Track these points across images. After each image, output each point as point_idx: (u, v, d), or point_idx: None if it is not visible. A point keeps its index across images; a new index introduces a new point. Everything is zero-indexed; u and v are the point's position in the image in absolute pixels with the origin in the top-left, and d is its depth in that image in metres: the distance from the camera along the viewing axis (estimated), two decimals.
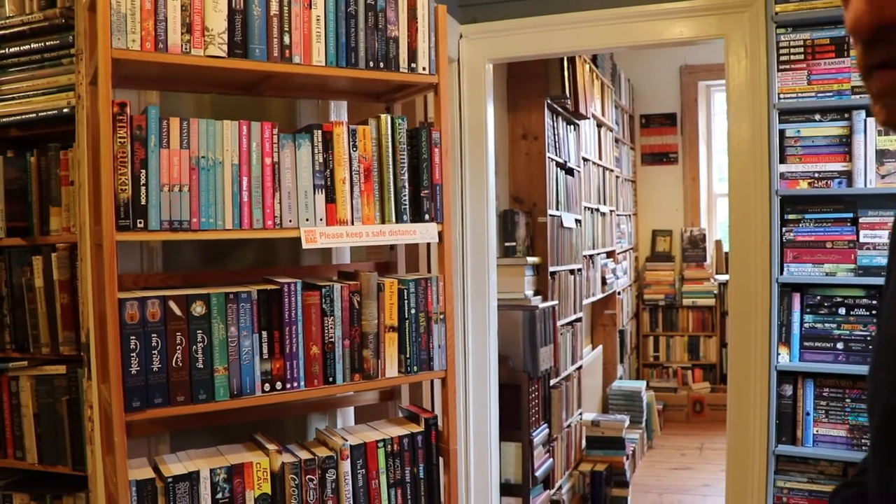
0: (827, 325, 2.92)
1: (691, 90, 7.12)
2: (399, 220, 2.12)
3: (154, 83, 2.11)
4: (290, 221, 1.99)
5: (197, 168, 1.86)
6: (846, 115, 2.85)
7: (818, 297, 2.95)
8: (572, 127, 4.74)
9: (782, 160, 2.95)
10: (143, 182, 1.79)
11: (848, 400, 2.82)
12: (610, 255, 5.86)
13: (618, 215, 6.21)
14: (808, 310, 2.96)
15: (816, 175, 2.92)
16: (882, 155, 2.83)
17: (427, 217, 2.16)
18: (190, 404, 1.86)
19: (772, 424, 2.92)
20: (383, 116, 2.12)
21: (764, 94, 2.93)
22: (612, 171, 5.96)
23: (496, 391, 3.39)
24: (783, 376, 2.94)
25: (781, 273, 2.94)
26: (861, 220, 2.84)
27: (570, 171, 4.63)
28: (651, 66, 7.07)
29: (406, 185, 2.14)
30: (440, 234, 2.17)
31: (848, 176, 2.87)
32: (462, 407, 3.30)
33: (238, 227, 1.92)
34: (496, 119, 3.81)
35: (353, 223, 2.05)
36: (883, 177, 2.80)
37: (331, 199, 2.03)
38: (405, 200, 2.13)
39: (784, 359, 2.94)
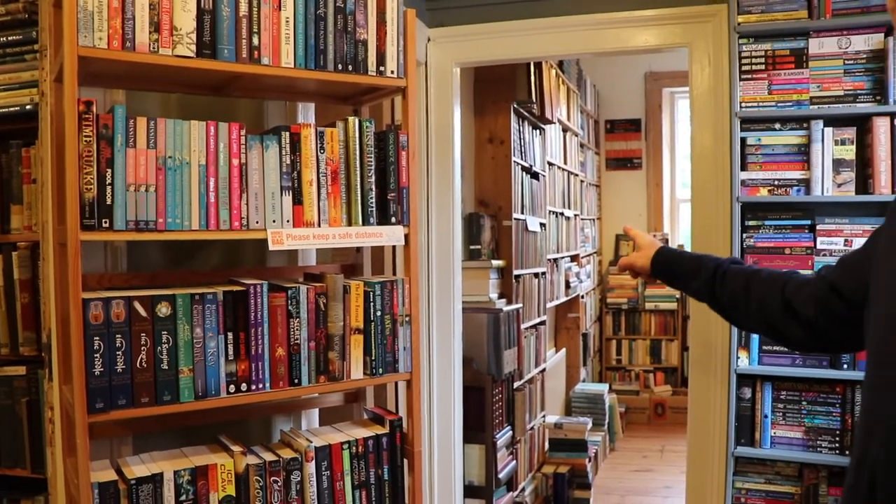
0: None
1: (656, 96, 7.21)
2: (366, 222, 2.12)
3: (121, 82, 2.10)
4: (257, 223, 1.99)
5: (164, 168, 1.86)
6: (805, 125, 2.91)
7: None
8: (538, 131, 4.78)
9: (743, 167, 2.99)
10: (108, 181, 1.78)
11: (804, 402, 2.88)
12: (574, 258, 5.91)
13: (582, 219, 6.26)
14: None
15: (776, 182, 2.97)
16: (838, 164, 2.90)
17: (393, 220, 2.17)
18: (154, 406, 1.85)
19: (731, 426, 2.96)
20: (351, 119, 2.12)
21: (726, 103, 2.98)
22: (576, 175, 6.02)
23: (460, 393, 3.41)
24: (742, 379, 2.98)
25: None
26: (818, 227, 2.90)
27: (535, 176, 4.66)
28: (616, 73, 7.15)
29: (373, 187, 2.15)
30: (406, 236, 2.19)
31: (806, 184, 2.93)
32: (426, 409, 3.31)
33: (205, 228, 1.91)
34: (463, 122, 3.82)
35: (319, 225, 2.05)
36: (839, 185, 2.86)
37: (298, 200, 2.03)
38: (372, 203, 2.14)
39: (743, 362, 2.99)
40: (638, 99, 7.27)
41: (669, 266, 1.73)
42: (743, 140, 3.00)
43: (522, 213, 4.34)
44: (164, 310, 1.86)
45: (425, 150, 3.34)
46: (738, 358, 3.00)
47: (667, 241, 6.96)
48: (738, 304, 1.50)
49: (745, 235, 3.01)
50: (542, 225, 4.80)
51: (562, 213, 5.46)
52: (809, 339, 1.35)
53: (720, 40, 3.00)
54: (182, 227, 1.88)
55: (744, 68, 2.96)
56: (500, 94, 4.18)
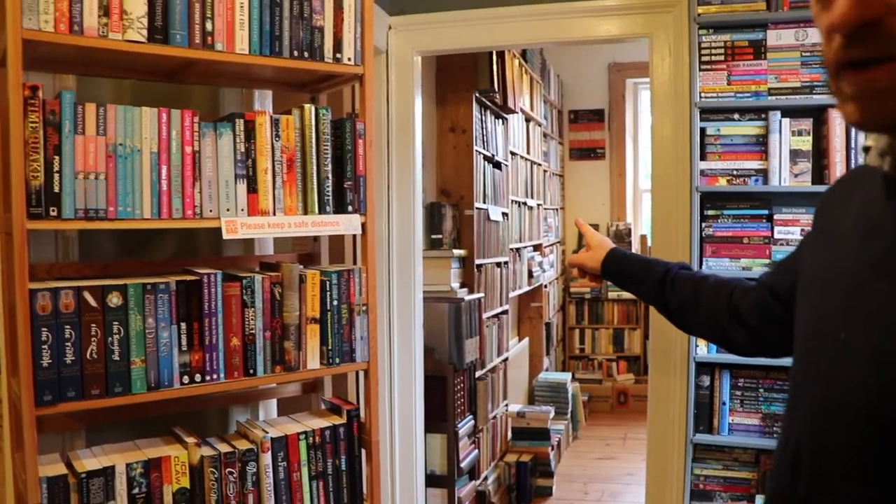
0: None
1: (619, 87, 7.24)
2: (322, 211, 2.10)
3: (70, 67, 2.05)
4: (211, 211, 1.95)
5: (114, 155, 1.82)
6: (763, 116, 2.94)
7: None
8: (500, 121, 4.77)
9: (703, 157, 3.02)
10: (56, 169, 1.74)
11: (761, 390, 2.91)
12: (537, 248, 5.92)
13: (545, 209, 6.27)
14: None
15: (735, 172, 3.00)
16: (795, 155, 2.93)
17: (350, 208, 2.15)
18: (105, 397, 1.82)
19: (690, 414, 2.99)
20: (307, 106, 2.10)
21: (686, 93, 2.99)
22: (539, 165, 6.02)
23: (421, 383, 3.40)
24: (701, 367, 3.01)
25: (700, 267, 3.02)
26: (776, 217, 2.93)
27: (497, 165, 4.66)
28: (580, 63, 7.16)
29: (329, 176, 2.12)
30: (363, 225, 2.17)
31: (764, 174, 2.95)
32: (387, 399, 3.30)
33: (157, 217, 1.88)
34: (424, 111, 3.80)
35: (274, 214, 2.03)
36: (796, 175, 2.89)
37: (252, 189, 2.01)
38: (328, 191, 2.12)
39: (702, 350, 3.01)
40: (601, 90, 7.29)
41: (620, 268, 1.73)
42: (702, 130, 3.02)
43: (484, 202, 4.34)
44: (114, 300, 1.83)
45: (385, 139, 3.32)
46: (696, 346, 3.03)
47: (630, 231, 7.00)
48: (686, 309, 1.50)
49: (703, 225, 3.03)
50: (505, 214, 4.80)
51: (524, 203, 5.47)
52: (754, 345, 1.37)
53: (680, 31, 3.01)
54: (134, 215, 1.85)
55: (703, 59, 2.98)
56: (462, 83, 4.17)
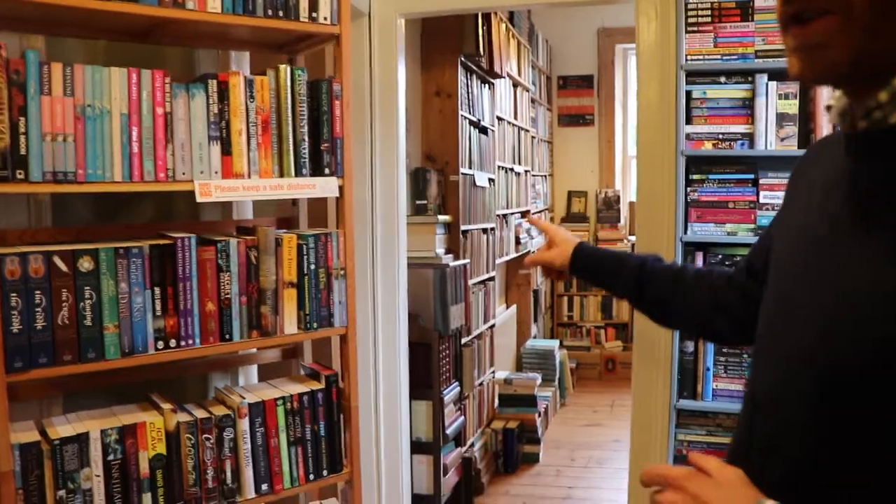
0: None
1: (608, 53, 7.17)
2: (298, 173, 2.07)
3: (36, 26, 1.99)
4: (184, 174, 1.92)
5: (83, 117, 1.78)
6: (749, 79, 2.91)
7: (720, 256, 3.01)
8: (487, 86, 4.72)
9: (688, 121, 2.99)
10: (22, 130, 1.70)
11: (745, 356, 2.90)
12: (524, 214, 5.89)
13: (533, 175, 6.23)
14: None
15: (720, 136, 2.97)
16: (782, 118, 2.90)
17: (327, 171, 2.11)
18: (78, 363, 1.80)
19: (674, 380, 2.99)
20: (282, 67, 2.05)
21: (672, 56, 2.95)
22: (527, 131, 5.98)
23: (406, 349, 3.38)
24: (686, 334, 3.00)
25: (686, 232, 3.00)
26: (761, 182, 2.91)
27: (483, 130, 4.61)
28: (569, 28, 7.09)
29: (306, 138, 2.08)
30: (341, 188, 2.13)
31: (750, 138, 2.93)
32: (371, 365, 3.28)
33: (128, 180, 1.84)
34: (409, 75, 3.75)
35: (249, 176, 1.99)
36: (782, 139, 2.86)
37: (226, 151, 1.97)
38: (305, 154, 2.08)
39: None
40: (591, 55, 7.22)
41: (591, 263, 1.58)
42: (688, 93, 2.98)
43: (470, 168, 4.30)
44: (86, 265, 1.80)
45: (368, 103, 3.27)
46: None
47: (618, 198, 6.98)
48: (665, 302, 1.43)
49: (689, 189, 3.01)
50: (491, 180, 4.76)
51: (512, 169, 5.43)
52: (738, 333, 1.30)
53: None
54: (104, 178, 1.81)
55: (690, 21, 2.94)
56: (447, 46, 4.11)
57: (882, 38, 0.72)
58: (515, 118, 5.56)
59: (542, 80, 6.81)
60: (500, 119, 5.06)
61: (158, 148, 1.87)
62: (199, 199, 1.90)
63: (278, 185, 2.02)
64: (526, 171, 5.92)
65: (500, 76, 4.85)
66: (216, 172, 1.95)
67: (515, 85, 5.54)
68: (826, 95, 2.78)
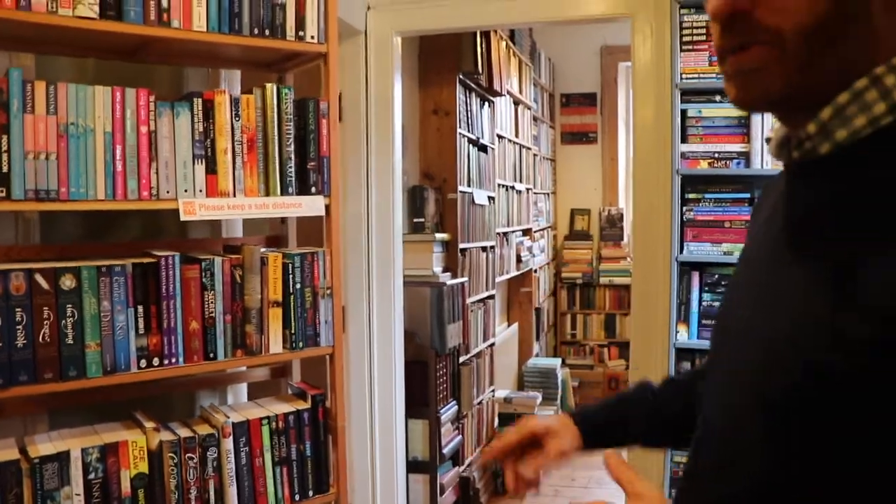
0: None
1: (611, 70, 7.16)
2: (284, 192, 2.06)
3: (24, 45, 2.00)
4: (168, 192, 1.92)
5: (66, 135, 1.78)
6: None
7: (716, 276, 2.99)
8: (486, 104, 4.72)
9: (684, 140, 2.98)
10: (4, 148, 1.70)
11: None
12: (526, 232, 5.88)
13: (535, 193, 6.22)
14: (706, 288, 3.00)
15: (716, 155, 2.96)
16: None
17: (314, 190, 2.11)
18: (59, 381, 1.79)
19: None
20: (268, 86, 2.05)
21: (667, 74, 2.94)
22: (529, 149, 5.97)
23: (402, 368, 3.37)
24: (682, 354, 2.98)
25: (681, 252, 2.98)
26: (757, 201, 2.89)
27: (483, 148, 4.61)
28: (572, 46, 7.09)
29: (292, 156, 2.08)
30: (327, 207, 2.13)
31: (746, 157, 2.92)
32: (366, 383, 3.27)
33: (111, 198, 1.84)
34: (407, 93, 3.76)
35: (234, 195, 1.99)
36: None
37: (211, 169, 1.97)
38: (291, 172, 2.08)
39: (683, 336, 2.98)
40: (593, 73, 7.22)
41: (599, 430, 1.33)
42: (683, 112, 2.98)
43: (469, 185, 4.29)
44: (67, 282, 1.79)
45: (364, 121, 3.27)
46: (677, 332, 2.99)
47: (621, 216, 6.96)
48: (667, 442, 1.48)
49: (684, 208, 2.99)
50: (491, 198, 4.76)
51: (512, 187, 5.42)
52: None
53: (662, 10, 2.96)
54: (87, 196, 1.81)
55: (685, 39, 2.93)
56: (445, 64, 4.11)
57: (816, 72, 0.75)
58: (516, 136, 5.55)
59: (545, 98, 6.82)
60: (500, 137, 5.06)
61: (142, 166, 1.87)
62: (183, 217, 1.90)
63: (263, 204, 2.01)
64: (528, 189, 5.91)
65: (500, 94, 4.86)
66: (201, 191, 1.95)
67: (517, 103, 5.54)
68: None
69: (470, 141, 4.34)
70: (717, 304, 2.97)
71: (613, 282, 6.90)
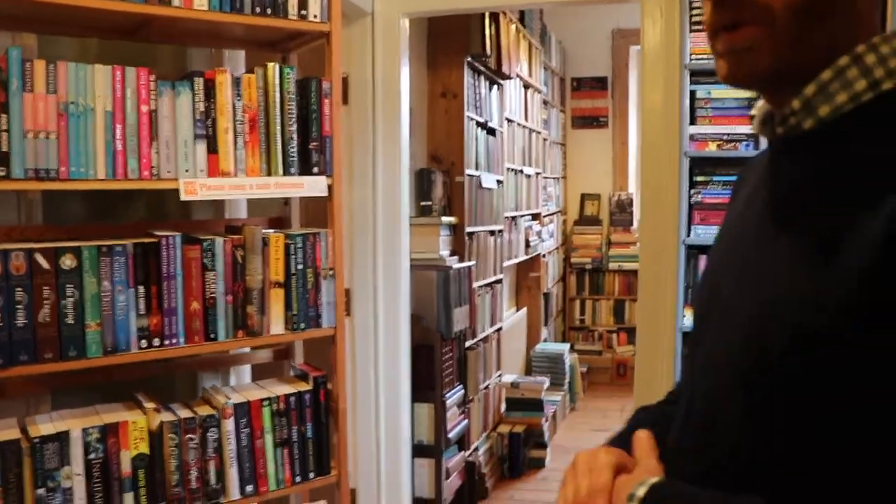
0: None
1: (623, 54, 7.11)
2: (286, 172, 2.05)
3: (27, 24, 1.99)
4: (169, 172, 1.91)
5: (66, 114, 1.77)
6: None
7: None
8: (495, 87, 4.69)
9: (692, 121, 2.95)
10: (4, 127, 1.69)
11: None
12: (535, 217, 5.85)
13: (545, 178, 6.19)
14: None
15: (725, 137, 2.93)
16: None
17: (316, 170, 2.09)
18: (59, 361, 1.79)
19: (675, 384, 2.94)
20: (270, 65, 2.04)
21: (677, 56, 2.91)
22: (539, 133, 5.93)
23: (408, 351, 3.36)
24: (688, 338, 2.95)
25: (689, 235, 2.95)
26: None
27: (491, 132, 4.58)
28: (583, 29, 7.03)
29: (294, 136, 2.07)
30: (330, 187, 2.11)
31: (756, 139, 2.88)
32: (372, 366, 3.26)
33: (112, 178, 1.83)
34: (415, 76, 3.73)
35: (236, 175, 1.98)
36: None
37: (213, 149, 1.95)
38: (293, 153, 2.06)
39: (689, 321, 2.95)
40: (605, 57, 7.17)
41: None
42: (692, 93, 2.94)
43: (477, 169, 4.27)
44: (68, 262, 1.79)
45: (371, 103, 3.25)
46: (683, 316, 2.97)
47: (631, 201, 6.91)
48: None
49: (692, 191, 2.96)
50: (499, 182, 4.73)
51: (521, 171, 5.39)
52: None
53: None
54: (87, 175, 1.80)
55: (695, 19, 2.89)
56: (453, 47, 4.08)
57: (805, 49, 0.77)
58: (526, 120, 5.52)
59: (555, 82, 6.77)
60: (509, 120, 5.02)
61: (143, 146, 1.86)
62: (183, 197, 1.89)
63: (265, 184, 2.00)
64: (537, 174, 5.88)
65: (510, 77, 4.82)
66: (202, 171, 1.94)
67: (526, 86, 5.50)
68: None
69: (478, 124, 4.31)
70: None
71: (623, 267, 6.87)
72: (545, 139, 6.21)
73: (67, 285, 1.79)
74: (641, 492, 0.81)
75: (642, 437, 0.96)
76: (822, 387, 0.70)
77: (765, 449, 0.76)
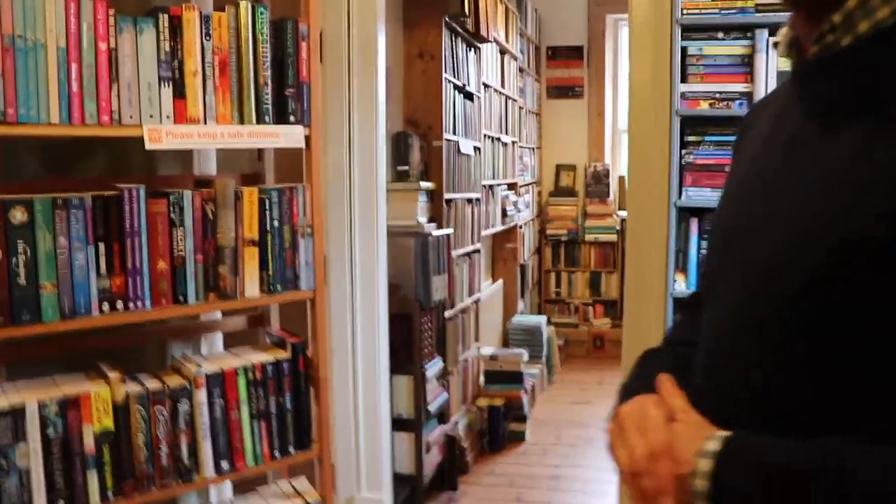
0: None
1: (599, 23, 6.96)
2: (260, 120, 1.88)
3: None
4: (132, 118, 1.73)
5: (12, 49, 1.58)
6: (749, 34, 2.74)
7: None
8: (472, 50, 4.52)
9: (683, 79, 2.82)
10: None
11: None
12: (511, 187, 5.70)
13: (521, 147, 6.05)
14: (705, 236, 2.87)
15: (718, 95, 2.82)
16: (783, 76, 2.71)
17: (292, 119, 1.92)
18: (11, 326, 1.61)
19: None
20: (242, 3, 1.86)
21: (667, 10, 2.78)
22: (515, 101, 5.78)
23: (385, 321, 3.21)
24: (679, 304, 2.85)
25: (680, 197, 2.84)
26: None
27: (469, 96, 4.42)
28: None
29: (269, 82, 1.90)
30: (307, 138, 1.95)
31: (749, 97, 2.78)
32: (349, 337, 3.11)
33: (67, 122, 1.65)
34: (391, 36, 3.56)
35: (206, 122, 1.80)
36: None
37: (179, 93, 1.78)
38: (267, 100, 1.89)
39: (681, 286, 2.85)
40: (581, 25, 7.01)
41: None
42: (684, 50, 2.81)
43: (455, 134, 4.11)
44: (18, 216, 1.61)
45: (346, 64, 3.07)
46: (674, 282, 2.86)
47: (607, 172, 6.80)
48: None
49: (683, 152, 2.84)
50: (477, 149, 4.58)
51: (498, 139, 5.24)
52: None
53: None
54: (39, 119, 1.62)
55: None
56: (431, 6, 3.90)
57: None
58: (503, 86, 5.36)
59: (531, 50, 6.60)
60: (486, 86, 4.86)
61: (101, 88, 1.68)
62: (148, 145, 1.72)
63: (238, 133, 1.83)
64: (513, 143, 5.73)
65: (487, 40, 4.65)
66: (168, 117, 1.76)
67: (503, 52, 5.34)
68: None
69: (456, 87, 4.15)
70: None
71: (599, 239, 6.76)
72: (521, 108, 6.06)
73: (18, 241, 1.61)
74: (713, 446, 0.75)
75: (669, 383, 0.89)
76: (875, 296, 0.69)
77: (822, 368, 0.73)
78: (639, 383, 1.00)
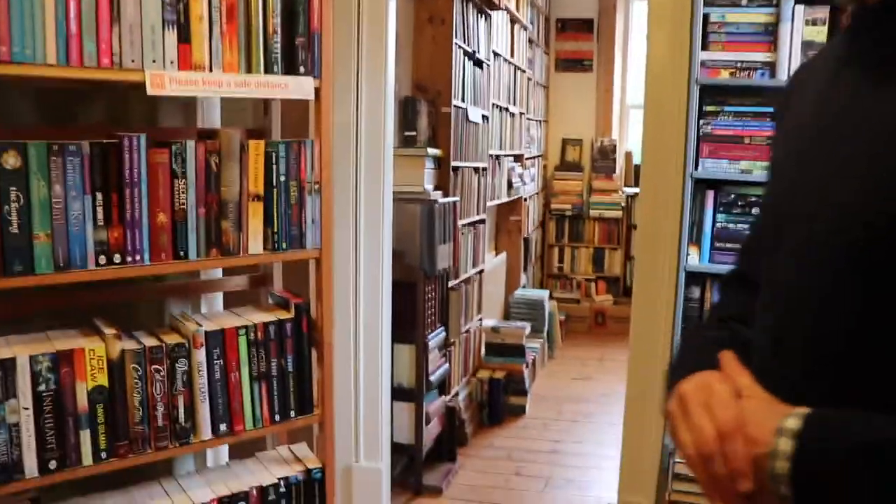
0: (739, 225, 2.77)
1: None
2: (268, 70, 1.79)
3: None
4: (133, 62, 1.64)
5: None
6: (774, 2, 2.66)
7: (732, 196, 2.79)
8: (483, 16, 4.41)
9: (704, 47, 2.75)
10: None
11: None
12: (518, 159, 5.61)
13: (528, 119, 5.95)
14: (721, 208, 2.80)
15: (739, 64, 2.74)
16: (808, 47, 2.65)
17: (302, 70, 1.84)
18: (1, 277, 1.54)
19: (677, 327, 2.77)
20: None
21: None
22: (524, 71, 5.68)
23: (389, 287, 3.13)
24: (692, 278, 2.79)
25: (696, 168, 2.76)
26: None
27: (478, 63, 4.32)
28: None
29: (278, 30, 1.81)
30: (317, 90, 1.86)
31: (772, 67, 2.70)
32: (352, 303, 3.04)
33: (65, 63, 1.56)
34: None
35: (211, 69, 1.71)
36: None
37: (184, 38, 1.69)
38: (276, 48, 1.80)
39: (693, 259, 2.78)
40: None
41: None
42: (705, 16, 2.74)
43: (463, 101, 4.01)
44: (11, 161, 1.53)
45: (356, 26, 2.98)
46: (688, 255, 2.79)
47: (615, 147, 6.70)
48: None
49: (702, 122, 2.78)
50: (485, 118, 4.48)
51: (507, 109, 5.14)
52: None
53: None
54: (34, 59, 1.53)
55: None
56: None
57: None
58: (512, 56, 5.26)
59: (541, 21, 6.49)
60: (496, 54, 4.76)
61: (102, 28, 1.59)
62: (150, 91, 1.63)
63: (244, 82, 1.74)
64: (521, 114, 5.64)
65: (499, 7, 4.55)
66: (172, 62, 1.67)
67: (513, 21, 5.23)
68: None
69: (465, 53, 4.05)
70: (732, 225, 2.77)
71: (604, 215, 6.69)
72: (529, 79, 5.96)
73: (11, 188, 1.53)
74: (793, 424, 0.69)
75: (734, 359, 0.84)
76: None
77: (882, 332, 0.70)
78: (694, 361, 0.91)
